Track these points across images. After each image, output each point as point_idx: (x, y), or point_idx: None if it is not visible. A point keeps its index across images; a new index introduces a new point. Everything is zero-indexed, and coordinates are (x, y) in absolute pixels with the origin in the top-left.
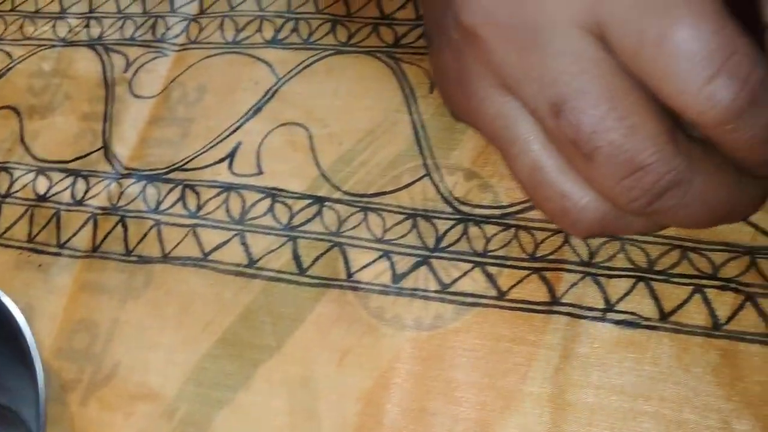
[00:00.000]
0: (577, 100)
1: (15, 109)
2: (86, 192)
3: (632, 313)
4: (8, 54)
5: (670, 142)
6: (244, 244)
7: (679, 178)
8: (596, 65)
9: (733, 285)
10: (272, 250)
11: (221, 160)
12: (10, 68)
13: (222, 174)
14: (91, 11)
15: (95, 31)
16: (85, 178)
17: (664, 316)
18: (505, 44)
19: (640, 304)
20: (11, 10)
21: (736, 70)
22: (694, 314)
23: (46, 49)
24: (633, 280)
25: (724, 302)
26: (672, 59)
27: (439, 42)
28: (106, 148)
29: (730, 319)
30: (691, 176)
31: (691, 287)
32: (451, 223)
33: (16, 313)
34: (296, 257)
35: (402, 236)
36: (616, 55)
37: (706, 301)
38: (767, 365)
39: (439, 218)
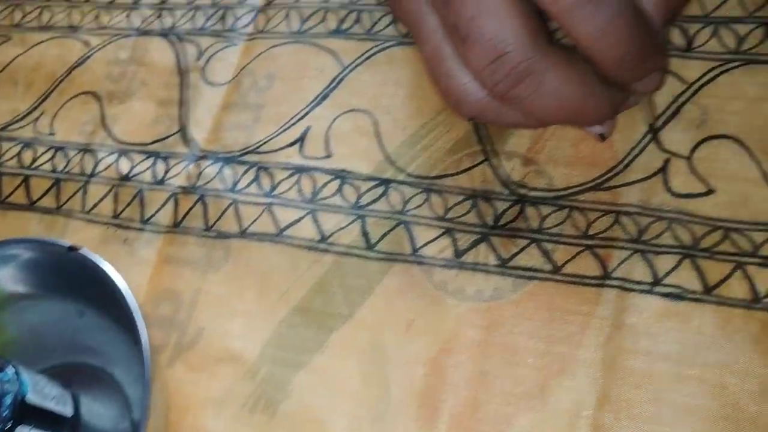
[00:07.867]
0: None
1: (95, 95)
2: (166, 172)
3: (678, 287)
4: (86, 42)
5: (530, 37)
6: (315, 221)
7: (533, 68)
8: None
9: None
10: (342, 227)
11: (292, 144)
12: (89, 56)
13: (293, 157)
14: (162, 2)
15: (167, 21)
16: (165, 159)
17: (707, 289)
18: None
19: (686, 278)
20: (86, 1)
21: None
22: (736, 288)
23: (122, 38)
24: (679, 257)
25: (764, 278)
26: None
27: None
28: (183, 132)
29: None
30: (545, 69)
31: (733, 263)
32: (509, 203)
33: (118, 280)
34: (365, 234)
35: (462, 215)
36: None
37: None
38: None
39: (497, 199)
